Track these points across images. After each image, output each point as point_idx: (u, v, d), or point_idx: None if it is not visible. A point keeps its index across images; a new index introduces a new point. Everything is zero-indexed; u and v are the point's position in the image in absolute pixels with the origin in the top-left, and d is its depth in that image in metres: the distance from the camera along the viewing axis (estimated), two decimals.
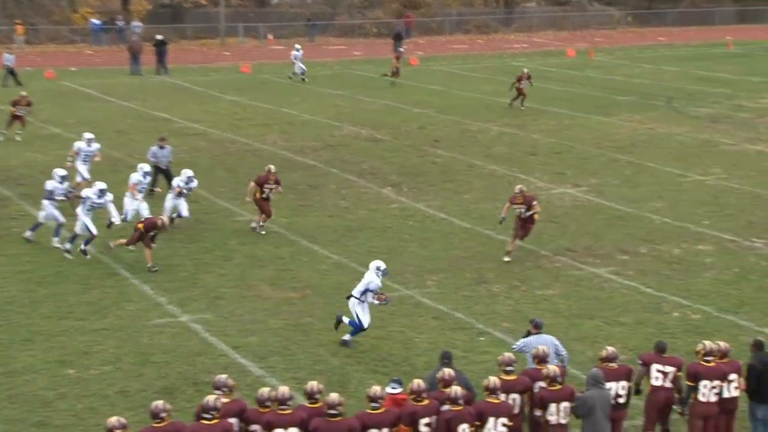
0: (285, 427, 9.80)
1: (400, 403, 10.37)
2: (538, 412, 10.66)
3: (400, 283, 17.35)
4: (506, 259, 18.30)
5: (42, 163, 25.37)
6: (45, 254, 18.69)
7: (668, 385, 11.21)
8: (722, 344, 11.34)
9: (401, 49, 43.25)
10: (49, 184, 19.13)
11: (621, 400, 11.08)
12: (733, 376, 11.16)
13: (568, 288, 17.12)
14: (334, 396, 9.91)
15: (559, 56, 49.78)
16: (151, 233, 17.75)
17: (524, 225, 18.43)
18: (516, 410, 10.72)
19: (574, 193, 23.53)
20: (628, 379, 11.14)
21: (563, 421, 10.61)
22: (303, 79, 41.04)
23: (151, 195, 21.28)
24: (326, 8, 62.19)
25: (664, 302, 16.40)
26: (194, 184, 20.29)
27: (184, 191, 19.95)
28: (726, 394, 11.17)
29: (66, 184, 19.31)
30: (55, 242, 19.01)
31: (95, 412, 12.44)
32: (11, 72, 39.23)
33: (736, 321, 15.57)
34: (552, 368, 10.75)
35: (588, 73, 43.41)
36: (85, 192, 18.76)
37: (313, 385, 10.25)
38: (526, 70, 34.73)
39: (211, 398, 9.73)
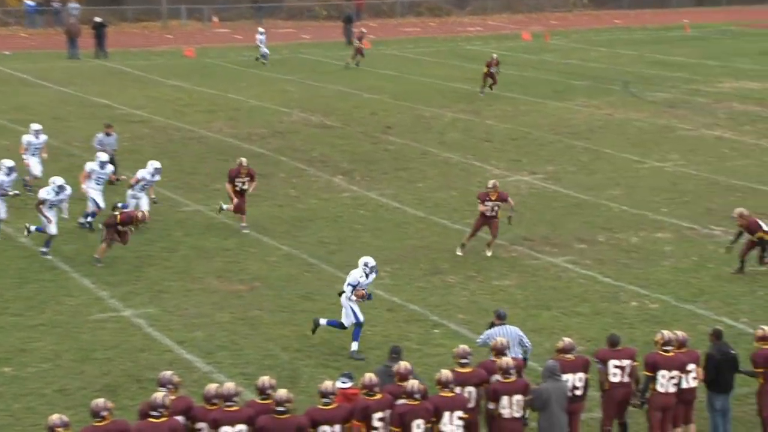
0: (232, 424, 9.76)
1: (351, 398, 10.37)
2: (491, 405, 10.71)
3: None
4: (459, 252, 18.20)
5: None
6: None
7: (626, 380, 11.32)
8: (680, 334, 11.49)
9: (363, 30, 43.21)
10: None
11: (578, 393, 11.17)
12: (691, 366, 11.33)
13: (524, 278, 17.24)
14: (282, 392, 9.88)
15: (514, 40, 50.04)
16: (127, 227, 17.46)
17: (492, 223, 18.01)
18: (472, 404, 10.77)
19: (531, 181, 23.69)
20: (586, 371, 11.24)
21: (516, 415, 10.64)
22: (263, 63, 41.09)
23: (117, 184, 20.97)
24: None
25: (622, 292, 16.60)
26: (158, 177, 19.90)
27: (147, 184, 19.57)
28: (684, 385, 11.33)
29: (14, 176, 18.97)
30: None
31: (33, 412, 12.29)
32: None
33: (695, 310, 15.81)
34: (506, 360, 10.82)
35: (544, 57, 43.68)
36: (42, 194, 17.96)
37: (264, 380, 10.22)
38: (495, 56, 34.78)
39: (159, 395, 9.67)
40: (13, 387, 13.01)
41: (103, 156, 19.91)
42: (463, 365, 10.86)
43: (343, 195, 22.45)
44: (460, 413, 10.31)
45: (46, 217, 17.77)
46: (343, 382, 10.61)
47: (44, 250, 17.91)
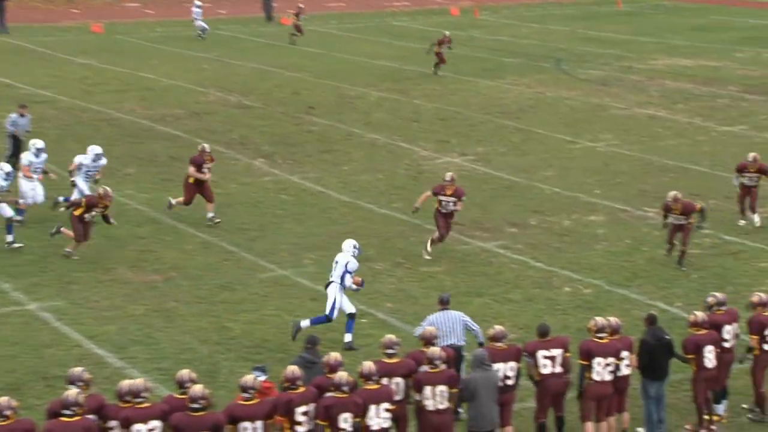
0: (144, 421, 9.67)
1: (265, 392, 10.34)
2: (417, 396, 10.76)
3: (274, 263, 17.30)
4: (427, 257, 17.31)
5: None
6: None
7: (558, 370, 11.41)
8: (612, 320, 11.66)
9: (301, 5, 42.82)
10: None
11: (510, 382, 11.27)
12: (624, 354, 11.52)
13: (454, 264, 17.36)
14: (196, 389, 9.80)
15: (442, 15, 50.22)
16: (93, 213, 17.08)
17: (446, 221, 17.33)
18: (399, 395, 10.81)
19: (460, 163, 23.84)
20: (518, 360, 11.35)
21: (441, 407, 10.67)
22: (201, 38, 40.92)
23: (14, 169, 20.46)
24: None
25: (555, 277, 16.83)
26: (103, 161, 19.40)
27: (92, 171, 19.11)
28: (618, 373, 11.50)
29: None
30: None
31: None
32: None
33: (628, 295, 16.10)
34: (434, 350, 10.88)
35: (473, 34, 43.94)
36: None
37: (184, 373, 10.15)
38: (447, 33, 34.73)
39: (71, 393, 9.55)
40: None
41: (39, 143, 19.31)
42: (390, 355, 10.89)
43: (264, 179, 22.33)
44: (386, 405, 10.34)
45: None
46: (257, 376, 10.53)
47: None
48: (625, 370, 11.53)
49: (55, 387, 12.08)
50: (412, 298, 15.50)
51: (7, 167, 18.11)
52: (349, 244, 14.28)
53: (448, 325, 12.21)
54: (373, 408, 10.28)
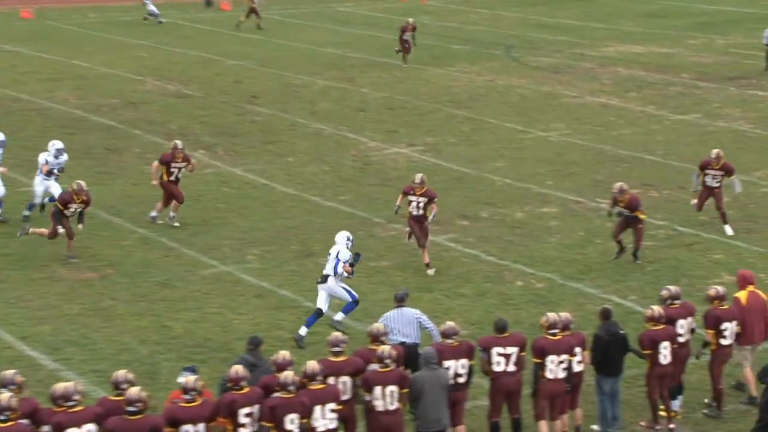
0: (78, 425, 9.58)
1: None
2: (366, 396, 10.76)
3: (217, 259, 17.21)
4: (430, 272, 16.76)
5: None
6: None
7: (511, 368, 11.42)
8: (563, 315, 11.68)
9: None
10: None
11: (461, 380, 11.29)
12: (577, 350, 11.59)
13: (403, 258, 17.39)
14: (133, 391, 9.72)
15: (389, 1, 50.22)
16: (72, 209, 16.82)
17: (420, 225, 16.77)
18: (347, 395, 10.81)
19: (409, 153, 23.88)
20: (470, 357, 11.37)
21: (391, 407, 10.68)
22: (147, 21, 40.73)
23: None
24: None
25: (507, 270, 16.92)
26: (64, 158, 18.95)
27: (55, 170, 18.73)
28: (571, 370, 11.57)
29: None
30: None
31: None
32: None
33: (582, 288, 16.24)
34: (384, 348, 10.88)
35: (420, 19, 43.92)
36: None
37: (120, 374, 10.08)
38: (411, 20, 34.59)
39: (4, 396, 9.45)
40: None
41: (58, 143, 18.86)
42: (336, 354, 10.88)
43: (205, 171, 22.19)
44: (332, 406, 10.33)
45: None
46: (187, 377, 10.40)
47: None
48: (577, 367, 11.61)
49: None
50: (360, 294, 15.48)
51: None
52: (342, 236, 14.55)
53: (402, 323, 12.22)
54: (318, 409, 10.26)
